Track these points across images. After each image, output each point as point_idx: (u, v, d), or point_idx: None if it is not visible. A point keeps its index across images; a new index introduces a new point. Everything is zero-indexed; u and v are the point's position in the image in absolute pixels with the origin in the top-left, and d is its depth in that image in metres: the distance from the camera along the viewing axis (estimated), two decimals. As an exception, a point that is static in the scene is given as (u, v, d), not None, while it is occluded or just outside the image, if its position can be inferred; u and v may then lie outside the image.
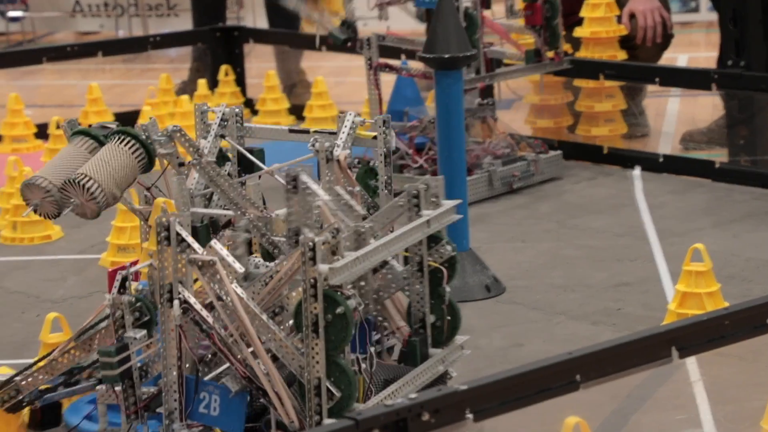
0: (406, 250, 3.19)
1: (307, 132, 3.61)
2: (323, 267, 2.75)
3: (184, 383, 2.93)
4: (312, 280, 2.77)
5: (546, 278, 4.56)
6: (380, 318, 3.23)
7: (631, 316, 4.16)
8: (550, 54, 5.71)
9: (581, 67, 5.95)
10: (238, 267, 2.90)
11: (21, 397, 3.11)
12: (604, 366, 2.51)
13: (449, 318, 3.20)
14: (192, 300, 2.91)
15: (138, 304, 2.98)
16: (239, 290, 2.88)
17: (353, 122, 3.53)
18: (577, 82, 6.17)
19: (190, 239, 2.91)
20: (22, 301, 4.57)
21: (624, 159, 5.89)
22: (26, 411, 3.19)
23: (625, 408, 3.41)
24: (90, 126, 3.27)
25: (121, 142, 3.18)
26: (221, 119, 3.68)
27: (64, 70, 8.74)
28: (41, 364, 3.09)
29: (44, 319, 3.63)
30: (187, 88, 7.21)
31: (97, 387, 3.03)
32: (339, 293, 2.80)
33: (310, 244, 2.76)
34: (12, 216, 5.16)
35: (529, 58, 5.67)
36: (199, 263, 2.90)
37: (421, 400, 2.31)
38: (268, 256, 3.27)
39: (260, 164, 3.60)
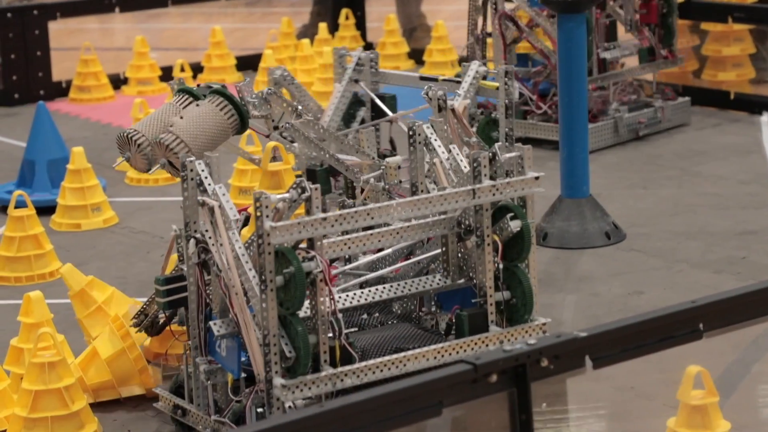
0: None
1: (436, 80, 3.61)
2: (267, 224, 2.73)
3: (205, 320, 3.00)
4: (260, 237, 2.75)
5: (667, 225, 4.50)
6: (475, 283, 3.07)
7: (757, 265, 4.08)
8: (664, 52, 5.58)
9: (709, 10, 5.81)
10: (233, 214, 2.88)
11: (151, 320, 3.26)
12: (728, 315, 2.47)
13: (517, 297, 3.03)
14: (211, 241, 2.91)
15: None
16: (234, 237, 2.87)
17: (477, 72, 3.51)
18: (705, 26, 6.03)
19: (207, 181, 2.93)
20: (147, 241, 4.67)
21: (752, 105, 5.75)
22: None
23: (748, 357, 3.36)
24: (198, 86, 3.32)
25: (213, 103, 3.21)
26: (356, 64, 3.71)
27: (188, 14, 8.85)
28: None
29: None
30: (308, 31, 7.24)
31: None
32: (298, 253, 2.75)
33: (261, 200, 2.72)
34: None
35: (642, 56, 5.56)
36: (208, 207, 2.92)
37: (540, 345, 2.29)
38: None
39: (388, 110, 3.62)
